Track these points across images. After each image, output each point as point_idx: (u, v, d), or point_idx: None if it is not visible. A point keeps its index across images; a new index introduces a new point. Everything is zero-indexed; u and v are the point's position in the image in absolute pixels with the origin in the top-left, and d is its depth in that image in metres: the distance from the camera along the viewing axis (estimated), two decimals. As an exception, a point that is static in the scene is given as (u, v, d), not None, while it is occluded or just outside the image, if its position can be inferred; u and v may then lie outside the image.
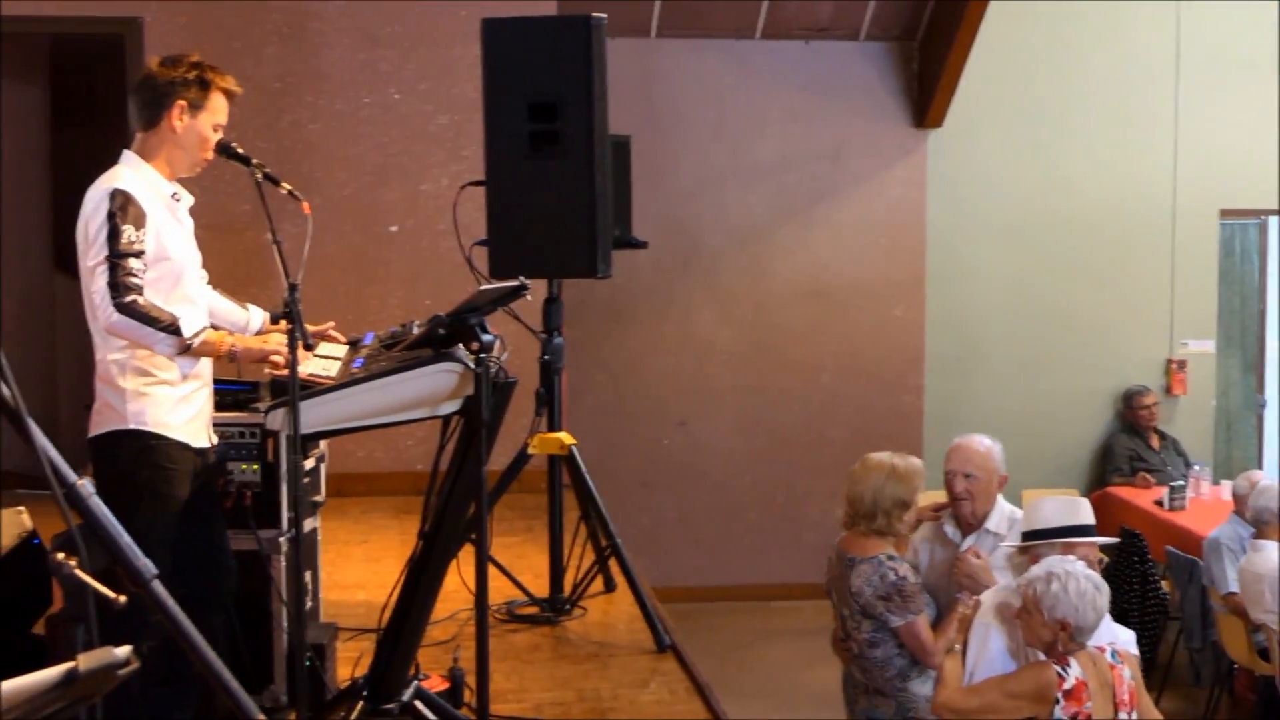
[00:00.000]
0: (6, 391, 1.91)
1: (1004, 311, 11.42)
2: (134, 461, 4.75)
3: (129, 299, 4.59)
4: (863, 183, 11.02)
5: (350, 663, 5.87)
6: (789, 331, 11.00)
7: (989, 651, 5.44)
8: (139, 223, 4.68)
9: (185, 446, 4.87)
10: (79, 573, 1.99)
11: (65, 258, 9.79)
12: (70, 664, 1.65)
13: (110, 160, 5.00)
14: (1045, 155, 11.46)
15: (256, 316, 5.31)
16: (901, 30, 11.03)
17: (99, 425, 4.84)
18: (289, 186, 5.02)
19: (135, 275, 4.62)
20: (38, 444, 1.89)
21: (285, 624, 5.49)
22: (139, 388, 4.78)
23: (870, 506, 6.05)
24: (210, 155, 4.99)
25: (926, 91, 10.97)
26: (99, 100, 9.78)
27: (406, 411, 4.83)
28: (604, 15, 6.69)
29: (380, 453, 9.39)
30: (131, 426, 4.80)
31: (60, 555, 1.97)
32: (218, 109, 4.95)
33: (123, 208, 4.67)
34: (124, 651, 1.70)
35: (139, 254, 4.65)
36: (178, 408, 4.84)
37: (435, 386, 4.73)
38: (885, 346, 11.08)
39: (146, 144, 4.94)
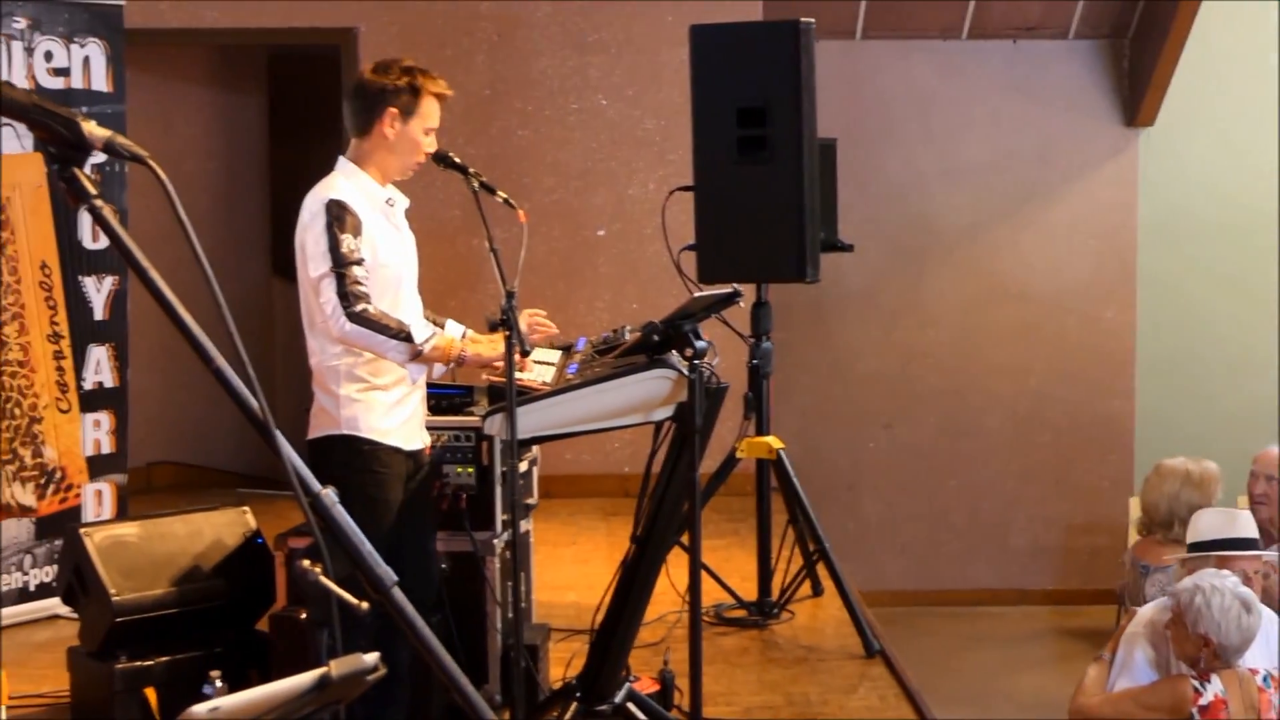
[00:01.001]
0: (255, 405, 1.97)
1: (1219, 313, 11.15)
2: (347, 466, 4.86)
3: (359, 308, 4.68)
4: (1072, 183, 10.85)
5: (562, 663, 5.95)
6: (995, 334, 10.87)
7: (1134, 661, 5.34)
8: (356, 231, 4.77)
9: (398, 450, 4.96)
10: (324, 580, 2.05)
11: (282, 264, 10.08)
12: (323, 670, 1.70)
13: (327, 170, 5.10)
14: (1261, 153, 11.17)
15: (453, 329, 5.37)
16: (1111, 28, 10.84)
17: (315, 429, 4.96)
18: (504, 195, 5.10)
19: (361, 284, 4.71)
20: (285, 456, 1.96)
21: (499, 625, 5.58)
22: (353, 393, 4.88)
23: (1166, 515, 5.97)
24: (423, 159, 5.04)
25: (1137, 90, 10.76)
26: (316, 111, 9.99)
27: (621, 417, 4.88)
28: (812, 20, 6.69)
29: (588, 455, 9.48)
30: (345, 432, 4.91)
31: (305, 562, 2.03)
32: (429, 114, 4.99)
33: (339, 217, 4.76)
34: (373, 658, 1.75)
35: (360, 261, 4.74)
36: (391, 412, 4.94)
37: (649, 393, 4.77)
38: (1094, 349, 10.89)
39: (360, 150, 5.03)
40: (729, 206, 6.72)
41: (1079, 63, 10.86)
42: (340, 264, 4.70)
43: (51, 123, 1.99)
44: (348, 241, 4.73)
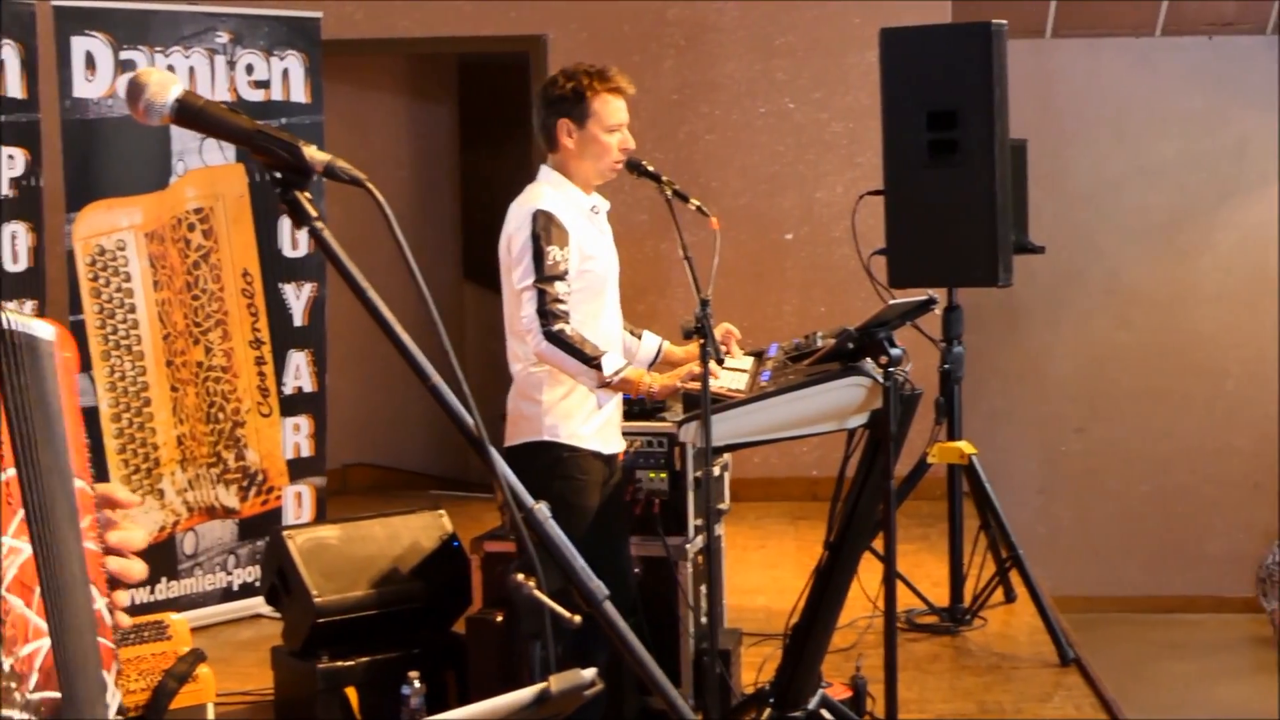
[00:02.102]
0: (470, 421, 2.01)
1: None
2: (548, 473, 4.89)
3: (556, 328, 4.71)
4: (1270, 181, 10.60)
5: (754, 668, 5.95)
6: (1192, 335, 10.66)
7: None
8: (562, 242, 4.79)
9: (596, 455, 5.00)
10: (537, 593, 2.08)
11: (474, 270, 10.23)
12: (542, 685, 1.73)
13: (517, 175, 5.14)
14: None
15: (649, 343, 5.37)
16: (1311, 23, 10.59)
17: (514, 436, 5.00)
18: (697, 202, 5.11)
19: (561, 301, 4.73)
20: (499, 471, 1.99)
21: (691, 629, 5.60)
22: (555, 401, 4.93)
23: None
24: (618, 158, 5.03)
25: (1338, 85, 10.51)
26: (505, 117, 10.12)
27: (815, 425, 4.88)
28: (1004, 22, 6.63)
29: (776, 458, 9.48)
30: (546, 439, 4.95)
31: (519, 576, 2.07)
32: (605, 114, 4.95)
33: (545, 228, 4.78)
34: (590, 673, 1.78)
35: (563, 274, 4.76)
36: (590, 417, 4.97)
37: (844, 400, 4.76)
38: (1296, 351, 10.64)
39: (557, 160, 5.06)
40: (920, 210, 6.68)
41: (1277, 59, 10.60)
42: (543, 278, 4.72)
43: (274, 148, 2.04)
44: (553, 254, 4.75)
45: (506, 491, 2.05)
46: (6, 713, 1.57)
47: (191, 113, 2.04)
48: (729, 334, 5.18)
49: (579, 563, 2.08)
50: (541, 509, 2.08)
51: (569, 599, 2.16)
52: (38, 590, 1.62)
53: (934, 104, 6.62)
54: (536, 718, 1.76)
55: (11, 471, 1.61)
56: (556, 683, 1.73)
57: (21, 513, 1.62)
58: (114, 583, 1.76)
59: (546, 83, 5.07)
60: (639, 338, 5.36)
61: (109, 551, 1.76)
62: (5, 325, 1.63)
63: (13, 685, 1.58)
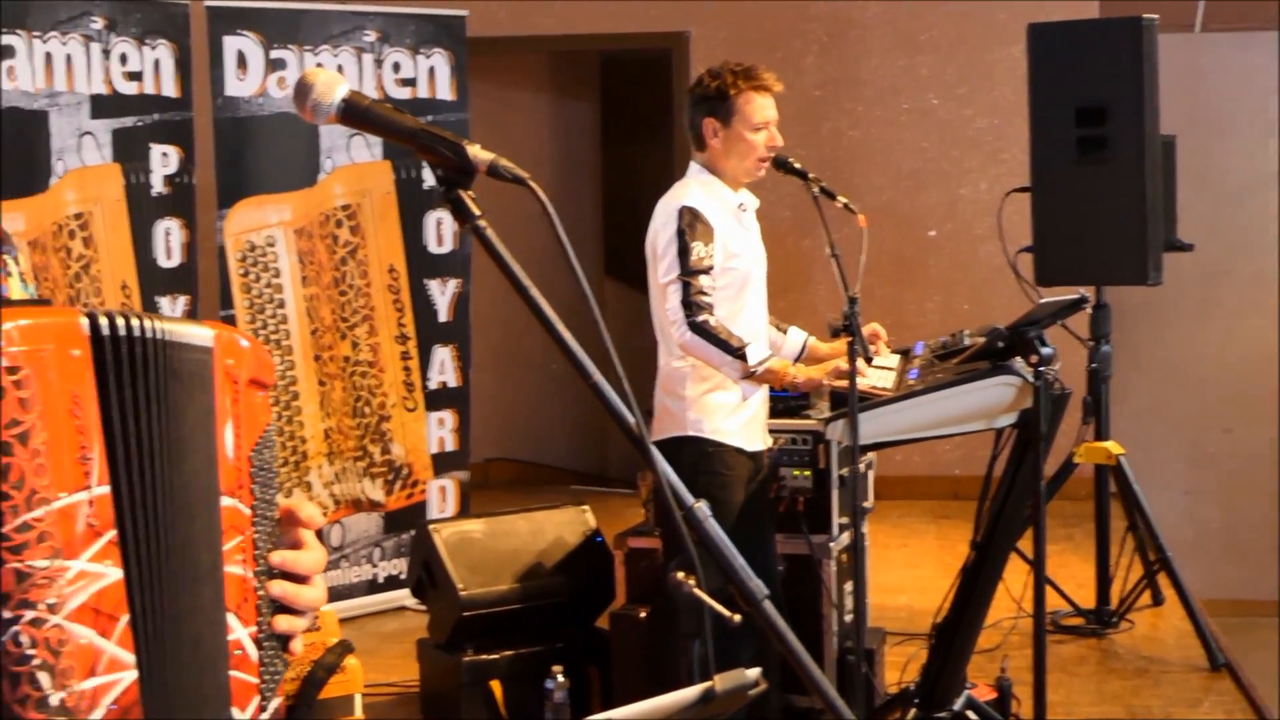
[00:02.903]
0: (631, 420, 2.00)
1: None
2: (693, 468, 4.88)
3: (701, 318, 4.72)
4: None
5: (897, 667, 5.91)
6: (1344, 335, 10.43)
7: None
8: (707, 238, 4.79)
9: (740, 451, 4.99)
10: (698, 592, 2.07)
11: (615, 265, 10.25)
12: (707, 684, 1.72)
13: (658, 172, 5.15)
14: None
15: (794, 339, 5.37)
16: None
17: (660, 431, 5.00)
18: (844, 200, 5.08)
19: (706, 294, 4.74)
20: (659, 470, 1.98)
21: (835, 628, 5.57)
22: (699, 395, 4.93)
23: None
24: (765, 155, 5.02)
25: None
26: (647, 114, 10.13)
27: (963, 424, 4.84)
28: (1155, 17, 6.52)
29: (918, 457, 9.39)
30: (690, 434, 4.96)
31: (679, 575, 2.06)
32: (750, 112, 4.95)
33: (691, 224, 4.79)
34: (755, 673, 1.77)
35: (708, 269, 4.77)
36: (735, 413, 4.97)
37: (993, 399, 4.72)
38: None
39: (705, 159, 5.07)
40: (1068, 208, 6.59)
41: None
42: (687, 271, 4.74)
43: (439, 147, 2.04)
44: (698, 249, 4.76)
45: (666, 489, 2.05)
46: None
47: (357, 112, 2.05)
48: (875, 334, 5.17)
49: (739, 561, 2.07)
50: (701, 507, 2.07)
51: (728, 598, 2.15)
52: (124, 619, 1.52)
53: (1082, 100, 6.53)
54: (700, 717, 1.75)
55: (103, 489, 1.51)
56: (721, 682, 1.72)
57: (111, 534, 1.51)
58: (279, 608, 1.66)
59: (694, 82, 5.09)
60: (784, 332, 5.36)
61: (277, 575, 1.66)
62: (104, 329, 1.53)
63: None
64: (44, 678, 1.46)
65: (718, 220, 4.87)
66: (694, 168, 5.04)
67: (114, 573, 1.50)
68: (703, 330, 4.71)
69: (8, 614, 1.45)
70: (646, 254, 4.96)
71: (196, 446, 1.58)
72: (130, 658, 1.50)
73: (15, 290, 1.75)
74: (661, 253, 4.83)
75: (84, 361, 1.50)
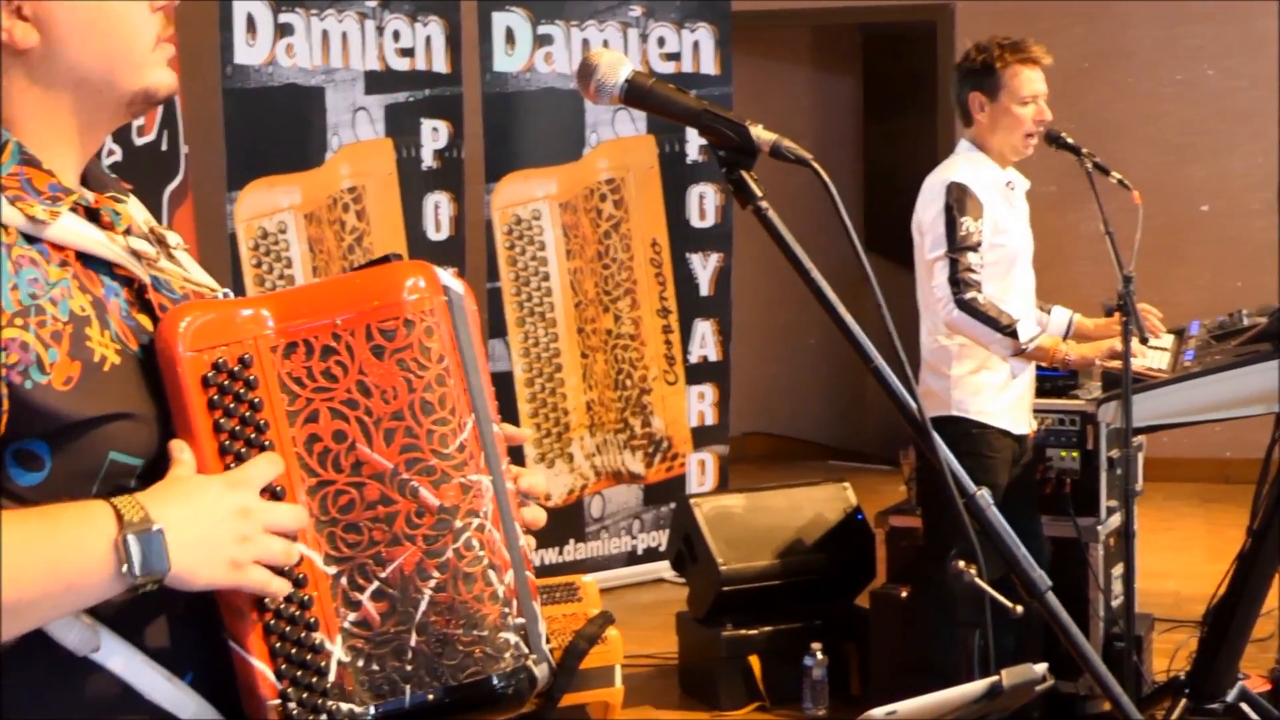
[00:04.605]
0: (913, 405, 1.97)
1: None
2: (956, 449, 4.76)
3: (969, 296, 4.65)
4: None
5: (1165, 655, 5.75)
6: None
7: None
8: (975, 213, 4.72)
9: (1005, 433, 4.91)
10: (979, 582, 2.02)
11: (876, 240, 10.13)
12: (994, 678, 1.68)
13: (920, 147, 5.08)
14: None
15: (1059, 317, 5.26)
16: None
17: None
18: (1119, 176, 4.96)
19: (974, 270, 4.67)
20: (941, 456, 1.94)
21: (1101, 613, 5.44)
22: (964, 375, 4.86)
23: None
24: (1032, 130, 4.92)
25: None
26: (909, 88, 10.00)
27: (1242, 407, 4.68)
28: None
29: (1185, 438, 9.09)
30: (955, 414, 4.89)
31: (960, 564, 2.01)
32: (1016, 85, 4.87)
33: (959, 200, 4.73)
34: (1042, 668, 1.72)
35: (975, 246, 4.69)
36: (1000, 394, 4.89)
37: (1275, 382, 4.54)
38: None
39: (973, 135, 4.99)
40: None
41: None
42: (955, 248, 4.67)
43: (722, 127, 2.03)
44: (966, 225, 4.69)
45: (948, 475, 2.01)
46: (504, 636, 1.75)
47: (640, 93, 2.04)
48: (1146, 313, 5.02)
49: (1021, 551, 2.02)
50: (984, 495, 2.03)
51: (1009, 588, 2.10)
52: (499, 525, 1.78)
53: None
54: (987, 711, 1.71)
55: (470, 418, 1.76)
56: (1009, 677, 1.67)
57: (481, 454, 1.78)
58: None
59: (962, 56, 5.02)
60: (1048, 312, 5.25)
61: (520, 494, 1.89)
62: (449, 286, 1.79)
63: (506, 611, 1.75)
64: (492, 575, 1.75)
65: (986, 197, 4.79)
66: (963, 145, 4.97)
67: (488, 484, 1.77)
68: (970, 307, 4.64)
69: (459, 523, 1.73)
70: (913, 231, 4.90)
71: (484, 380, 1.84)
72: (508, 555, 1.78)
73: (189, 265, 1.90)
74: (928, 229, 4.78)
75: (445, 312, 1.78)
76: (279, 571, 1.67)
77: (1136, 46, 9.50)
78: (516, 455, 7.05)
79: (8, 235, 1.65)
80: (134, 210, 1.86)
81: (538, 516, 1.89)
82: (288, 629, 1.68)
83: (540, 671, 1.79)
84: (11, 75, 1.74)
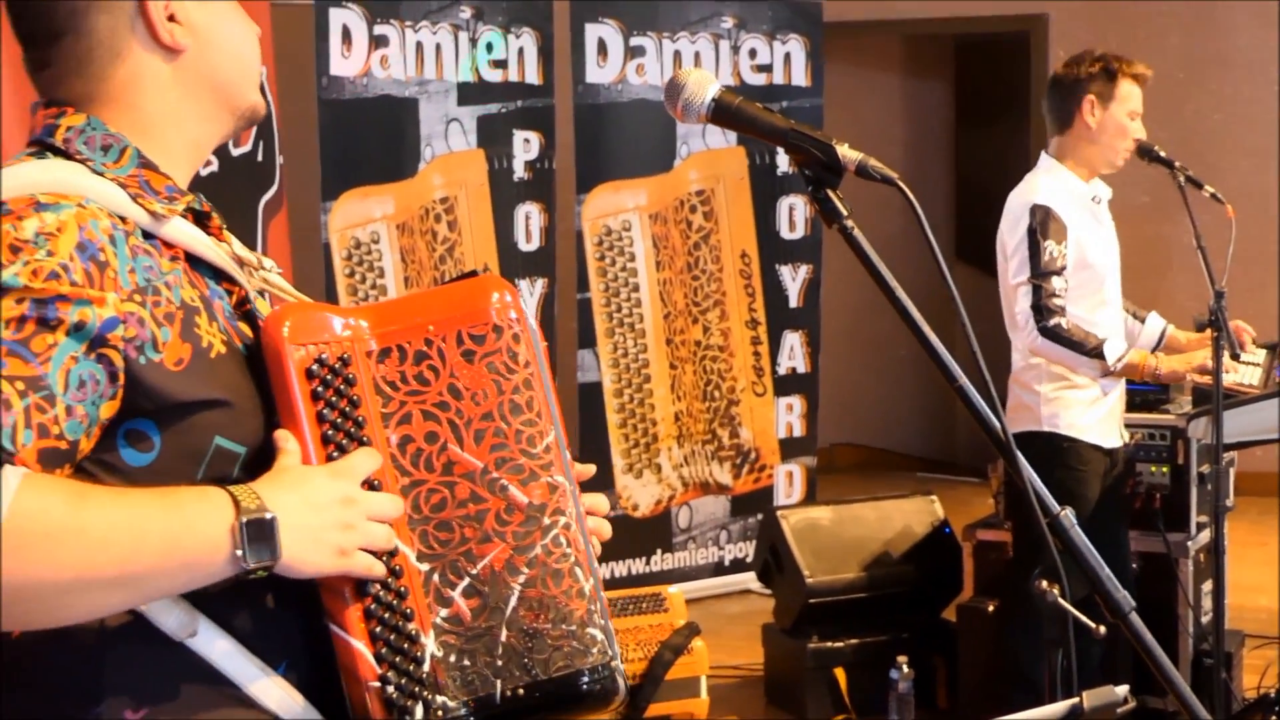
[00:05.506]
0: (997, 425, 1.97)
1: None
2: (1047, 462, 4.80)
3: (1053, 322, 4.66)
4: None
5: (1256, 671, 5.70)
6: None
7: None
8: (1060, 237, 4.72)
9: (1096, 447, 4.90)
10: (1062, 601, 2.03)
11: (967, 249, 10.10)
12: (1074, 700, 1.69)
13: (1012, 156, 5.06)
14: None
15: (1153, 326, 5.25)
16: None
17: (1014, 424, 4.92)
18: (1211, 189, 4.92)
19: (1058, 296, 4.67)
20: (1025, 476, 1.95)
21: (1191, 629, 5.40)
22: (1054, 391, 4.86)
23: None
24: (1130, 144, 4.93)
25: None
26: (1002, 96, 9.95)
27: (1335, 425, 4.63)
28: None
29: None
30: (1045, 429, 4.88)
31: (1044, 583, 2.02)
32: (1128, 96, 4.90)
33: (1043, 223, 4.73)
34: (1123, 690, 1.72)
35: (1060, 271, 4.70)
36: (1090, 409, 4.87)
37: (1367, 400, 4.50)
38: None
39: (1063, 146, 4.97)
40: None
41: None
42: (1039, 274, 4.67)
43: (808, 146, 2.04)
44: (1050, 249, 4.69)
45: (1031, 496, 2.01)
46: (590, 631, 1.82)
47: (728, 112, 2.07)
48: (1240, 330, 5.00)
49: (1105, 572, 2.02)
50: (1068, 515, 2.03)
51: (1093, 608, 2.10)
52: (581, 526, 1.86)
53: None
54: (1066, 733, 1.72)
55: (553, 432, 1.85)
56: (1090, 699, 1.68)
57: (560, 458, 1.86)
58: None
59: (1068, 63, 5.00)
60: (1142, 321, 5.24)
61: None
62: (529, 319, 1.86)
63: (592, 608, 1.83)
64: (579, 572, 1.82)
65: (1071, 217, 4.79)
66: (1045, 159, 4.96)
67: (571, 487, 1.86)
68: (1055, 335, 4.66)
69: (547, 520, 1.81)
70: (997, 247, 4.90)
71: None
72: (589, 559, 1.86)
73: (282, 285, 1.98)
74: (1012, 252, 4.78)
75: (527, 323, 1.86)
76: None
77: (1236, 54, 9.40)
78: (605, 465, 7.08)
79: (127, 226, 1.73)
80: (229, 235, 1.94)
81: (600, 526, 1.95)
82: (386, 615, 1.74)
83: (621, 682, 1.84)
84: (156, 75, 1.83)
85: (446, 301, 1.86)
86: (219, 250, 1.84)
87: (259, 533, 1.66)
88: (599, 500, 1.97)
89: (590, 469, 1.97)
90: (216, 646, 1.72)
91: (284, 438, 1.75)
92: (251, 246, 2.10)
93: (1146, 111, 5.01)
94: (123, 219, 1.73)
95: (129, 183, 1.77)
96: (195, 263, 1.80)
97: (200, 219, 1.85)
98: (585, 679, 1.80)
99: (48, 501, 1.58)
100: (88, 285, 1.65)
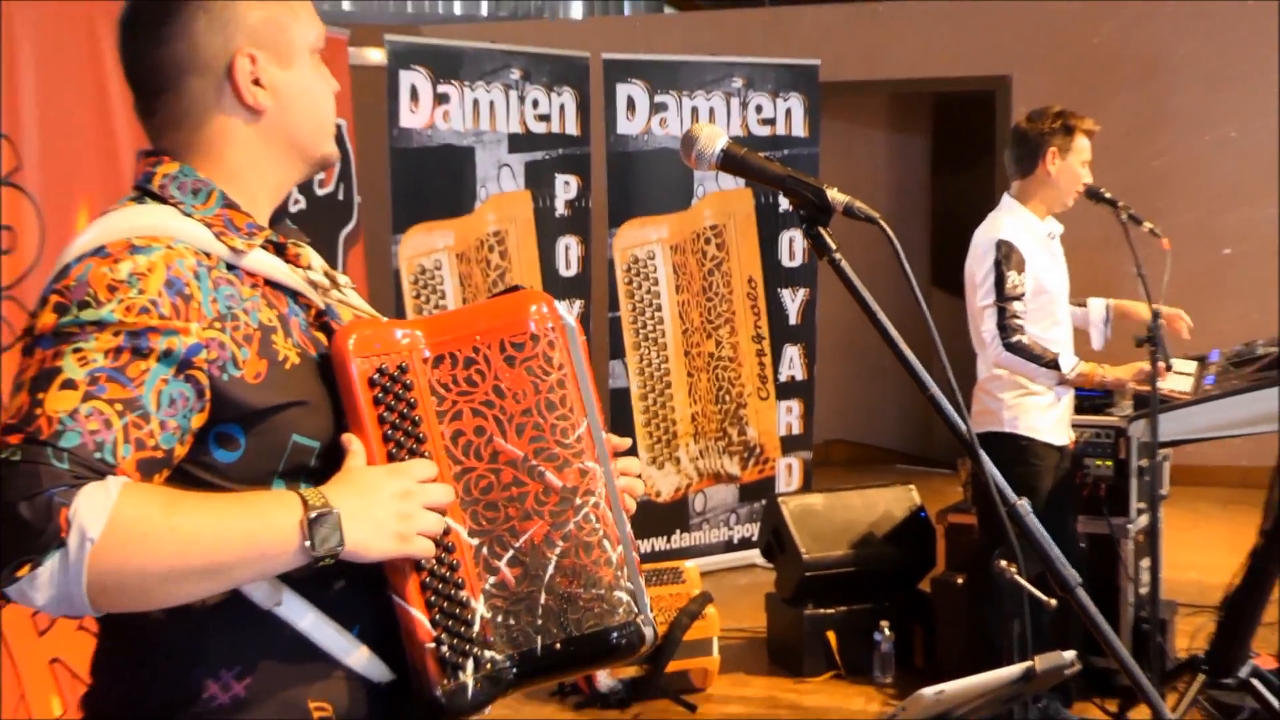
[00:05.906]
0: (963, 427, 1.97)
1: None
2: (1008, 459, 4.80)
3: (1015, 340, 4.68)
4: None
5: (1187, 635, 5.67)
6: None
7: None
8: (1020, 268, 4.73)
9: (1049, 445, 4.89)
10: (1018, 578, 2.02)
11: (942, 278, 10.07)
12: (1028, 664, 1.68)
13: (981, 196, 5.05)
14: None
15: (1095, 307, 5.26)
16: None
17: (979, 425, 4.91)
18: (1150, 225, 4.92)
19: (1018, 317, 4.69)
20: (987, 470, 1.95)
21: (1131, 600, 5.38)
22: (1014, 399, 4.86)
23: None
24: (1080, 189, 4.93)
25: None
26: (972, 146, 9.93)
27: (1255, 425, 4.63)
28: None
29: (1209, 448, 8.90)
30: (1007, 430, 4.87)
31: (1002, 563, 2.01)
32: (1082, 148, 4.91)
33: (1006, 256, 4.74)
34: (1071, 654, 1.72)
35: (1020, 296, 4.71)
36: (1046, 413, 4.87)
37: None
38: None
39: (1024, 189, 4.95)
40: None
41: None
42: (1002, 298, 4.70)
43: (803, 191, 2.05)
44: (1011, 278, 4.71)
45: (992, 487, 2.01)
46: (617, 594, 1.83)
47: (735, 161, 2.07)
48: (1177, 317, 5.02)
49: (1055, 552, 2.01)
50: (1024, 505, 2.03)
51: (1045, 584, 2.09)
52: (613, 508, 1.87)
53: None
54: (1022, 693, 1.71)
55: (585, 423, 1.85)
56: (1041, 662, 1.67)
57: (592, 448, 1.86)
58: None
59: (1031, 116, 4.97)
60: (1084, 305, 5.23)
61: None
62: (564, 316, 1.88)
63: (619, 575, 1.83)
64: (607, 544, 1.83)
65: (1029, 250, 4.80)
66: (1007, 201, 4.96)
67: (601, 472, 1.86)
68: (1017, 349, 4.69)
69: (578, 500, 1.82)
70: (965, 276, 4.89)
71: (594, 395, 1.91)
72: (618, 533, 1.86)
73: (354, 299, 1.97)
74: (980, 281, 4.79)
75: (562, 331, 1.87)
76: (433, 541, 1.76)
77: (1174, 110, 9.36)
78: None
79: (210, 261, 1.74)
80: (312, 256, 1.95)
81: (633, 484, 1.95)
82: (440, 585, 1.75)
83: (648, 632, 1.85)
84: (241, 132, 1.84)
85: (491, 314, 1.87)
86: (294, 275, 1.85)
87: (324, 526, 1.67)
88: (631, 462, 1.98)
89: (626, 441, 1.98)
90: (300, 614, 1.74)
91: (350, 441, 1.76)
92: (334, 271, 2.10)
93: (1097, 158, 5.00)
94: (207, 255, 1.75)
95: (214, 222, 1.78)
96: (276, 286, 1.82)
97: (279, 249, 1.86)
98: (614, 634, 1.81)
99: (145, 507, 1.60)
100: (174, 317, 1.67)
